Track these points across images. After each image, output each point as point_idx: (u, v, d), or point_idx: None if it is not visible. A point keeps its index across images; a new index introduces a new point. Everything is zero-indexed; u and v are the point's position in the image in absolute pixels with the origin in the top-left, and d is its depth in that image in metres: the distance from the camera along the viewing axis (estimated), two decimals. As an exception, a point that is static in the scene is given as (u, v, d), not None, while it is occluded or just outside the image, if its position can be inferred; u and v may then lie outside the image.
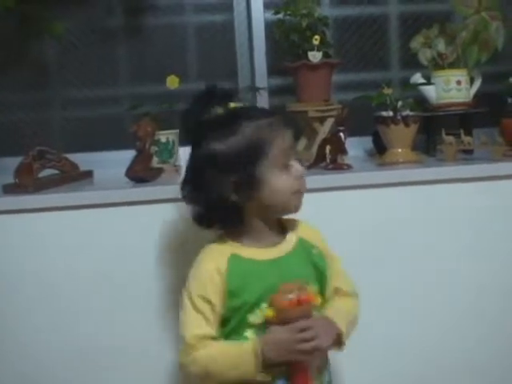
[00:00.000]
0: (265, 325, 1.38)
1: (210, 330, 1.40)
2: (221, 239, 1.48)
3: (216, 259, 1.42)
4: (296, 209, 1.46)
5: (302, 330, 1.34)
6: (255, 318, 1.39)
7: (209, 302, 1.39)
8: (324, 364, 1.49)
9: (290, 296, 1.34)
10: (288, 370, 1.38)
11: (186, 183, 1.46)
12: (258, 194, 1.40)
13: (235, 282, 1.40)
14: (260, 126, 1.39)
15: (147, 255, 1.85)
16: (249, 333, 1.40)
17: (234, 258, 1.42)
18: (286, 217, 1.51)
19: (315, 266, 1.47)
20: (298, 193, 1.44)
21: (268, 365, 1.35)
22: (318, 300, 1.42)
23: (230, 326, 1.41)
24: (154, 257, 1.85)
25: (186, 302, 1.42)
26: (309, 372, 1.39)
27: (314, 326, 1.35)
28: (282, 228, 1.51)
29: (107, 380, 1.89)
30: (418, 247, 1.93)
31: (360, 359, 1.88)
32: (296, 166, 1.42)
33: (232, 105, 1.48)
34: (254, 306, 1.39)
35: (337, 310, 1.48)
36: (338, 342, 1.44)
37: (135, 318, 1.86)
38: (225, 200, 1.39)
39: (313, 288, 1.43)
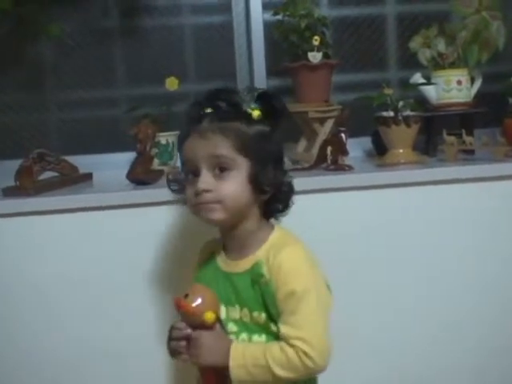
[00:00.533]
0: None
1: None
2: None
3: (201, 252, 1.56)
4: (207, 220, 1.39)
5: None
6: None
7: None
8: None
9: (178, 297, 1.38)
10: None
11: None
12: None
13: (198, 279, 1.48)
14: (183, 132, 1.42)
15: (148, 257, 1.85)
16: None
17: (206, 262, 1.51)
18: (273, 229, 1.45)
19: (262, 296, 1.38)
20: (199, 205, 1.38)
21: None
22: (207, 315, 1.36)
23: None
24: (154, 259, 1.85)
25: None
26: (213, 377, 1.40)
27: (199, 337, 1.37)
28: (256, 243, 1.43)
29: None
30: (419, 248, 1.93)
31: (359, 359, 1.88)
32: (199, 180, 1.36)
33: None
34: None
35: (248, 347, 1.37)
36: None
37: (135, 321, 1.86)
38: None
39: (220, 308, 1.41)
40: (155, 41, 2.38)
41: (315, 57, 2.08)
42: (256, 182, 1.38)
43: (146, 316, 1.86)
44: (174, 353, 1.42)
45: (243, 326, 1.40)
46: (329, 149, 1.97)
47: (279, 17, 2.16)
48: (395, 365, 1.96)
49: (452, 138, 2.01)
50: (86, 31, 2.35)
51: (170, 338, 1.42)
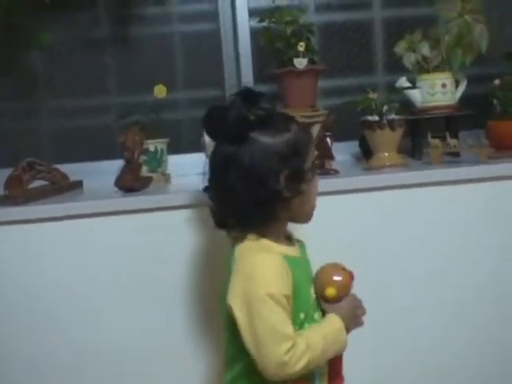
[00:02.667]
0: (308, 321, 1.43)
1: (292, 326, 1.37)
2: (257, 239, 1.42)
3: (276, 257, 1.38)
4: (308, 220, 1.50)
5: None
6: (303, 313, 1.42)
7: (288, 298, 1.36)
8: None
9: (346, 272, 1.49)
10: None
11: (212, 183, 1.43)
12: (304, 191, 1.41)
13: (295, 277, 1.38)
14: (303, 128, 1.47)
15: (138, 264, 1.86)
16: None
17: (283, 255, 1.39)
18: None
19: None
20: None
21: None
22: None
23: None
24: (144, 265, 1.86)
25: (271, 303, 1.32)
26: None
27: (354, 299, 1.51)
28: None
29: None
30: (406, 250, 1.94)
31: (356, 359, 1.90)
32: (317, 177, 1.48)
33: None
34: (305, 300, 1.43)
35: None
36: None
37: (126, 326, 1.88)
38: (276, 193, 1.37)
39: None
40: (145, 49, 2.41)
41: (301, 63, 2.10)
42: None
43: (136, 320, 1.87)
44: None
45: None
46: (315, 153, 1.99)
47: (265, 24, 2.18)
48: (390, 364, 1.97)
49: (437, 141, 2.02)
50: (77, 39, 2.37)
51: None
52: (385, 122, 1.98)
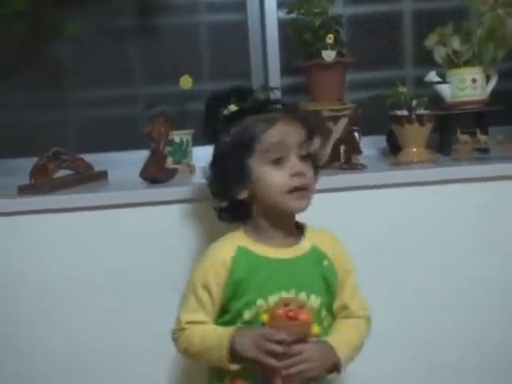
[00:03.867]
0: (256, 324, 1.40)
1: (204, 317, 1.44)
2: (236, 233, 1.49)
3: (223, 250, 1.45)
4: (296, 209, 1.44)
5: (294, 352, 1.33)
6: (249, 313, 1.41)
7: (209, 291, 1.43)
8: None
9: (287, 308, 1.34)
10: (263, 373, 1.38)
11: (210, 179, 1.52)
12: (254, 190, 1.42)
13: (239, 275, 1.41)
14: (255, 120, 1.42)
15: (161, 256, 1.86)
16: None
17: (242, 251, 1.43)
18: (305, 222, 1.51)
19: (324, 278, 1.45)
20: (296, 191, 1.40)
21: (238, 357, 1.36)
22: (316, 329, 1.38)
23: (226, 316, 1.44)
24: (168, 257, 1.86)
25: (189, 286, 1.47)
26: (278, 379, 1.36)
27: (305, 350, 1.35)
28: (299, 232, 1.50)
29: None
30: (432, 246, 1.92)
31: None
32: (293, 163, 1.40)
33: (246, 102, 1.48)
34: (252, 301, 1.41)
35: (341, 336, 1.45)
36: (336, 367, 1.41)
37: (146, 320, 1.87)
38: (229, 195, 1.45)
39: (312, 309, 1.41)
40: (171, 39, 2.39)
41: (329, 55, 2.08)
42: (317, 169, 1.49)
43: (156, 314, 1.85)
44: (274, 356, 1.34)
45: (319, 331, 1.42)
46: (342, 147, 1.97)
47: (293, 15, 2.16)
48: (397, 362, 1.95)
49: (466, 137, 1.99)
50: (103, 30, 2.36)
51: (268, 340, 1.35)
52: (414, 116, 1.95)
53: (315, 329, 1.38)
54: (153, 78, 2.41)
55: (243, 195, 1.43)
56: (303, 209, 1.43)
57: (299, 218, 1.52)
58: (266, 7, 2.30)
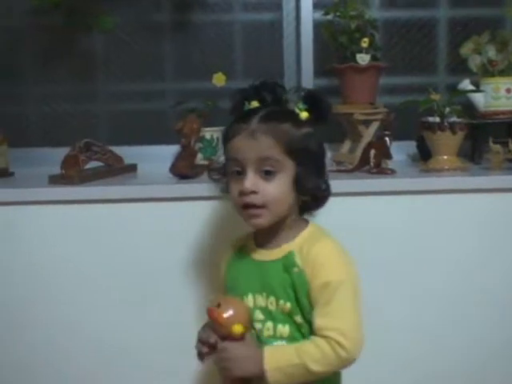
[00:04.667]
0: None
1: None
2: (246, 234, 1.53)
3: (226, 250, 1.53)
4: (250, 225, 1.42)
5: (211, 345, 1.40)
6: None
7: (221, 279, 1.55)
8: None
9: (211, 307, 1.40)
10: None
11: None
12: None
13: (228, 273, 1.50)
14: (232, 128, 1.40)
15: (188, 251, 1.87)
16: None
17: (235, 255, 1.50)
18: (307, 223, 1.47)
19: (293, 285, 1.38)
20: (248, 209, 1.38)
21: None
22: (236, 328, 1.36)
23: None
24: (194, 253, 1.87)
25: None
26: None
27: (227, 349, 1.38)
28: (292, 234, 1.44)
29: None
30: (460, 254, 1.92)
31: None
32: (246, 180, 1.36)
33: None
34: None
35: (281, 348, 1.39)
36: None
37: (167, 315, 1.89)
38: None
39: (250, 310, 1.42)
40: (205, 36, 2.39)
41: (363, 59, 2.07)
42: (300, 183, 1.38)
43: (179, 309, 1.88)
44: (199, 355, 1.45)
45: (269, 314, 1.41)
46: (372, 152, 1.97)
47: (329, 17, 2.16)
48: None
49: (498, 147, 1.98)
50: (138, 24, 2.37)
51: (198, 340, 1.45)
52: (446, 124, 1.94)
53: (235, 328, 1.36)
54: (185, 74, 2.41)
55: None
56: (258, 226, 1.41)
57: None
58: (302, 8, 2.29)
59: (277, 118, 1.37)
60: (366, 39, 2.07)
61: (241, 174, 1.37)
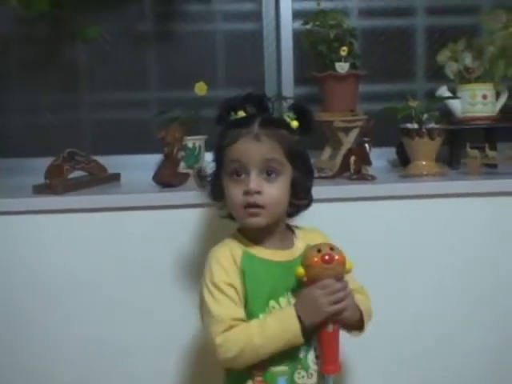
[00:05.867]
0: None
1: (241, 312, 1.42)
2: (234, 236, 1.52)
3: (231, 250, 1.47)
4: (249, 225, 1.46)
5: (333, 289, 1.39)
6: (264, 314, 1.43)
7: (233, 286, 1.43)
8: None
9: (321, 253, 1.38)
10: (318, 339, 1.43)
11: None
12: (224, 199, 1.49)
13: (249, 281, 1.44)
14: (228, 133, 1.46)
15: (171, 259, 1.88)
16: None
17: (248, 256, 1.47)
18: (297, 224, 1.57)
19: None
20: (249, 208, 1.43)
21: (306, 329, 1.39)
22: (351, 264, 1.43)
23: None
24: (178, 261, 1.88)
25: (212, 289, 1.42)
26: (338, 340, 1.43)
27: (344, 288, 1.41)
28: (291, 234, 1.55)
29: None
30: (439, 260, 1.94)
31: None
32: (251, 180, 1.42)
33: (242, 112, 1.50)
34: (265, 304, 1.44)
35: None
36: (360, 323, 1.49)
37: (155, 321, 1.90)
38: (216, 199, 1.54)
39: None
40: (187, 46, 2.42)
41: (342, 67, 2.11)
42: (297, 187, 1.48)
43: (163, 316, 1.89)
44: (334, 305, 1.40)
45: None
46: (352, 158, 1.99)
47: (309, 26, 2.19)
48: (404, 370, 1.97)
49: (475, 152, 2.02)
50: (121, 34, 2.39)
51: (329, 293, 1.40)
52: (424, 130, 1.98)
53: (349, 264, 1.43)
54: (167, 83, 2.43)
55: (222, 199, 1.51)
56: (255, 226, 1.45)
57: (306, 223, 1.58)
58: (282, 18, 2.33)
59: (275, 124, 1.46)
60: (344, 48, 2.10)
61: (240, 175, 1.43)
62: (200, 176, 1.59)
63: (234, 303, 1.42)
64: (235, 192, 1.44)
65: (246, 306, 1.44)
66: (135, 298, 1.89)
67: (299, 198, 1.51)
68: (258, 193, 1.42)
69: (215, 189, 1.52)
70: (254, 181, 1.42)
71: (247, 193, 1.42)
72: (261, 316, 1.42)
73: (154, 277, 1.89)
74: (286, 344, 1.39)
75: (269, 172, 1.43)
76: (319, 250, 1.39)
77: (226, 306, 1.41)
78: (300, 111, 1.51)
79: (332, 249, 1.40)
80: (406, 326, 1.95)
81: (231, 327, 1.39)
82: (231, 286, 1.42)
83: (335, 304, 1.39)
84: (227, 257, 1.46)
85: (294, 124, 1.48)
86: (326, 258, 1.38)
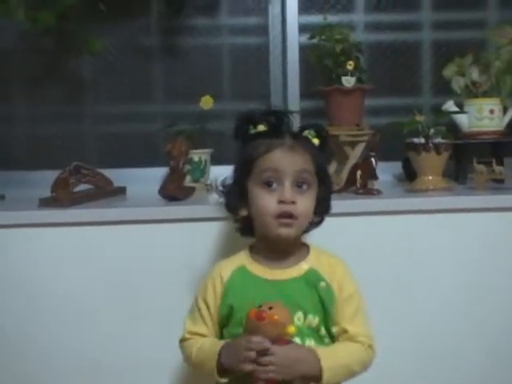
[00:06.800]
0: None
1: (203, 328, 1.50)
2: (242, 252, 1.54)
3: (224, 269, 1.50)
4: (279, 235, 1.44)
5: (251, 347, 1.33)
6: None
7: (208, 306, 1.49)
8: None
9: (259, 308, 1.35)
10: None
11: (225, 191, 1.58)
12: (250, 210, 1.48)
13: (233, 293, 1.47)
14: (260, 144, 1.45)
15: (177, 273, 1.88)
16: None
17: (240, 271, 1.49)
18: (307, 243, 1.55)
19: (320, 299, 1.45)
20: (281, 218, 1.42)
21: (225, 370, 1.39)
22: (293, 328, 1.36)
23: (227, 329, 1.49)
24: (184, 275, 1.87)
25: (195, 299, 1.54)
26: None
27: (277, 353, 1.34)
28: (302, 254, 1.52)
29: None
30: (445, 275, 1.93)
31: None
32: (285, 190, 1.42)
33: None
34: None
35: (330, 351, 1.43)
36: (317, 378, 1.38)
37: (159, 335, 1.88)
38: (235, 210, 1.52)
39: (299, 317, 1.43)
40: (193, 59, 2.43)
41: (349, 81, 2.11)
42: (319, 204, 1.49)
43: (168, 329, 1.86)
44: (244, 362, 1.35)
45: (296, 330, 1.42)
46: (358, 173, 1.99)
47: (315, 40, 2.19)
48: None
49: (482, 167, 2.01)
50: (127, 47, 2.40)
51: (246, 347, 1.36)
52: (431, 145, 1.97)
53: (290, 329, 1.35)
54: (173, 97, 2.44)
55: (243, 212, 1.50)
56: (286, 236, 1.44)
57: (313, 239, 1.57)
58: (288, 32, 2.34)
59: (305, 138, 1.49)
60: (351, 62, 2.11)
61: (271, 185, 1.43)
62: (224, 186, 1.57)
63: (202, 319, 1.50)
64: (268, 201, 1.43)
65: (230, 320, 1.47)
66: (140, 312, 1.89)
67: (322, 214, 1.53)
68: (293, 203, 1.42)
69: (235, 200, 1.51)
70: (289, 190, 1.42)
71: (282, 202, 1.42)
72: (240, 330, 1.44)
73: (159, 290, 1.88)
74: (210, 375, 1.42)
75: (300, 183, 1.44)
76: (260, 306, 1.36)
77: (192, 320, 1.52)
78: (319, 130, 1.53)
79: (271, 308, 1.35)
80: (411, 341, 1.93)
81: (185, 339, 1.52)
82: (205, 302, 1.50)
83: (252, 363, 1.34)
84: (215, 274, 1.51)
85: (316, 141, 1.51)
86: (259, 314, 1.34)
